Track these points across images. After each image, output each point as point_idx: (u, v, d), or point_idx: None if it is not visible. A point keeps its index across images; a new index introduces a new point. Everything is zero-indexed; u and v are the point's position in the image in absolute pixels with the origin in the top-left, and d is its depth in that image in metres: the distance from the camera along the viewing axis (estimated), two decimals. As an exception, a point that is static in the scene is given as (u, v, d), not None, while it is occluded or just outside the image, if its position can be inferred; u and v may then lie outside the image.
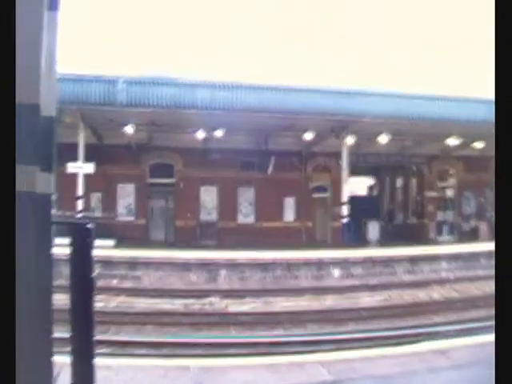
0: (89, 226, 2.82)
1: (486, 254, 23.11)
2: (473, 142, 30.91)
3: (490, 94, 19.60)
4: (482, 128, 24.51)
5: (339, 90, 26.64)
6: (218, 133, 27.94)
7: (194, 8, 68.86)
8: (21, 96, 2.43)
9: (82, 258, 2.80)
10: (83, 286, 2.80)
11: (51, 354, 2.71)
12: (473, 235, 33.84)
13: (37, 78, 2.50)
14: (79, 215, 25.98)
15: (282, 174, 33.48)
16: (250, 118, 26.67)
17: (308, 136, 28.97)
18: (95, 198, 31.80)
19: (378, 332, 12.70)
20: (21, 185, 2.42)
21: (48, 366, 2.69)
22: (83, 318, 2.83)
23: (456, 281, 21.14)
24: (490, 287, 17.85)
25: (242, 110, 25.63)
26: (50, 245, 2.72)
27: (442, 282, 21.07)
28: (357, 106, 26.32)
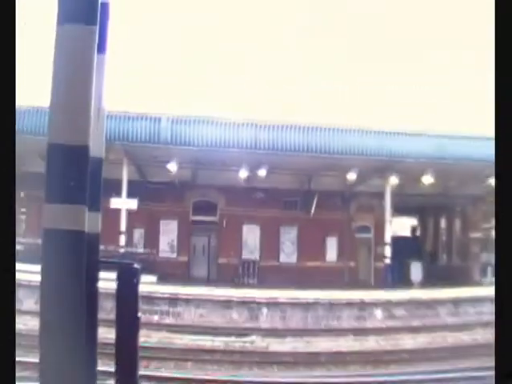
0: (135, 266, 2.89)
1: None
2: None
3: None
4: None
5: (383, 131, 26.59)
6: (262, 172, 28.01)
7: (233, 50, 69.76)
8: (70, 138, 2.51)
9: (128, 297, 2.87)
10: (129, 325, 2.87)
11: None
12: (520, 277, 33.10)
13: (86, 120, 2.57)
14: (122, 250, 26.22)
15: (325, 213, 33.37)
16: (293, 158, 26.75)
17: (351, 176, 28.88)
18: (138, 233, 32.11)
19: (420, 375, 12.51)
20: (70, 224, 2.48)
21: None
22: (128, 355, 2.89)
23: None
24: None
25: (285, 150, 25.77)
26: (96, 282, 2.78)
27: (486, 324, 20.67)
28: (400, 146, 26.27)
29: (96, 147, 2.78)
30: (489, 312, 22.93)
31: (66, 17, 2.53)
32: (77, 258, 2.51)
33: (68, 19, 2.53)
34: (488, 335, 18.91)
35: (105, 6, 2.97)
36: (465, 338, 18.74)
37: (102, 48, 2.90)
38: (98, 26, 2.61)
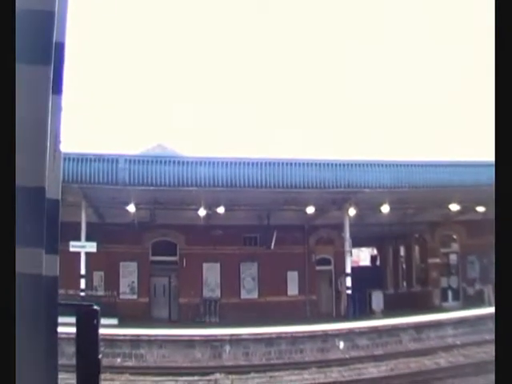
0: (95, 307, 2.89)
1: (492, 317, 22.88)
2: (475, 206, 30.59)
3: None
4: (483, 192, 23.77)
5: (339, 162, 26.73)
6: (220, 209, 28.01)
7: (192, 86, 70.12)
8: (26, 179, 2.52)
9: (88, 340, 2.82)
10: (89, 368, 2.80)
11: None
12: (478, 299, 33.32)
13: (42, 161, 2.57)
14: (82, 294, 25.91)
15: (285, 248, 33.41)
16: (252, 194, 26.74)
17: (310, 210, 29.07)
18: (98, 276, 31.71)
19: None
20: (26, 267, 2.48)
21: None
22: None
23: (463, 346, 20.96)
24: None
25: (243, 186, 25.78)
26: (55, 326, 2.78)
27: (448, 348, 20.89)
28: (357, 177, 26.37)
29: (52, 189, 2.73)
30: (450, 335, 23.24)
31: (19, 56, 2.46)
32: (34, 302, 2.50)
33: (21, 59, 2.47)
34: (450, 358, 19.17)
35: (60, 46, 2.89)
36: (427, 362, 18.89)
37: (57, 89, 2.81)
38: (52, 66, 2.60)
